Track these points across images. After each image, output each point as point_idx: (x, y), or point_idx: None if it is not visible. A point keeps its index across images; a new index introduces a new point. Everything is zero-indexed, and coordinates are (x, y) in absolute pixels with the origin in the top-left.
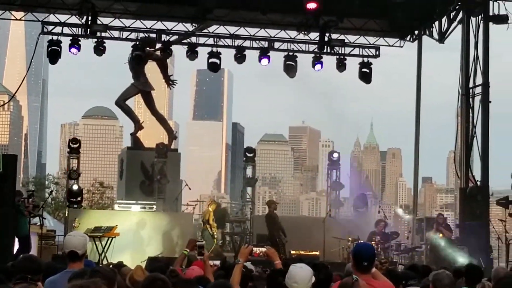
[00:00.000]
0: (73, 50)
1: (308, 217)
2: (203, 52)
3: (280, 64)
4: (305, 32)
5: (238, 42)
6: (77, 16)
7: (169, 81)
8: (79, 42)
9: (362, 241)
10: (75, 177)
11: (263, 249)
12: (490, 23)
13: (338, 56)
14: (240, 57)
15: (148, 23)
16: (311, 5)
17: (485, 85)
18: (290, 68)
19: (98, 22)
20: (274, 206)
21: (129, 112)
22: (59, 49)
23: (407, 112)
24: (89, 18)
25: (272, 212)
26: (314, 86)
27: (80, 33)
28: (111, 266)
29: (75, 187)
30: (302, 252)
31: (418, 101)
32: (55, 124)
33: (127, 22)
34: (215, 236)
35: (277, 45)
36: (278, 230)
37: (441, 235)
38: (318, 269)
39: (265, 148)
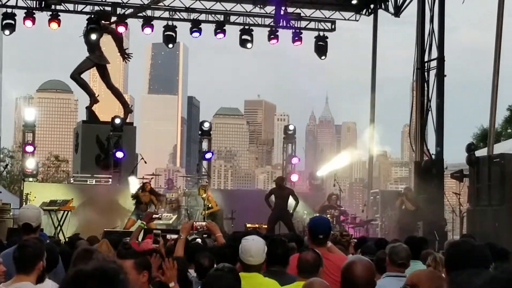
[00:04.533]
0: (28, 23)
1: (263, 190)
2: (158, 25)
3: (236, 38)
4: (261, 6)
5: (193, 16)
6: None
7: (125, 55)
8: (34, 15)
9: (317, 215)
10: (30, 150)
11: (203, 223)
12: None
13: (293, 30)
14: (195, 31)
15: None
16: None
17: (440, 59)
18: (246, 42)
19: None
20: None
21: (84, 86)
22: (13, 22)
23: (362, 86)
24: None
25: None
26: (270, 60)
27: (35, 6)
28: (67, 239)
29: (30, 160)
30: (257, 225)
31: (373, 74)
32: (10, 98)
33: None
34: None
35: (232, 18)
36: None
37: (404, 206)
38: (275, 244)
39: (221, 121)
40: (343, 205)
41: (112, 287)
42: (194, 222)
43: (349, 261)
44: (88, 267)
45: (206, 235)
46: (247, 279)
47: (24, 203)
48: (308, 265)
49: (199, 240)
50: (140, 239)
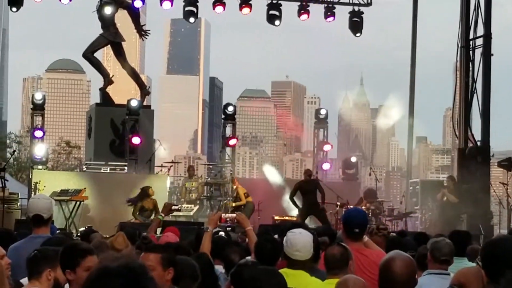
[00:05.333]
0: None
1: (292, 179)
2: None
3: (263, 14)
4: None
5: None
6: None
7: (141, 32)
8: None
9: (352, 206)
10: (39, 135)
11: (232, 215)
12: None
13: (326, 5)
14: (218, 5)
15: None
16: None
17: (487, 36)
18: (274, 18)
19: None
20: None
21: (97, 65)
22: None
23: (401, 66)
24: None
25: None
26: (300, 37)
27: None
28: (79, 232)
29: (40, 146)
30: (286, 218)
31: (413, 54)
32: (17, 78)
33: None
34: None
35: None
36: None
37: (445, 198)
38: None
39: (246, 104)
40: (379, 196)
41: (139, 285)
42: (222, 214)
43: (388, 257)
44: (114, 265)
45: (229, 228)
46: (292, 277)
47: (32, 192)
48: (335, 260)
49: (222, 233)
50: (158, 232)
